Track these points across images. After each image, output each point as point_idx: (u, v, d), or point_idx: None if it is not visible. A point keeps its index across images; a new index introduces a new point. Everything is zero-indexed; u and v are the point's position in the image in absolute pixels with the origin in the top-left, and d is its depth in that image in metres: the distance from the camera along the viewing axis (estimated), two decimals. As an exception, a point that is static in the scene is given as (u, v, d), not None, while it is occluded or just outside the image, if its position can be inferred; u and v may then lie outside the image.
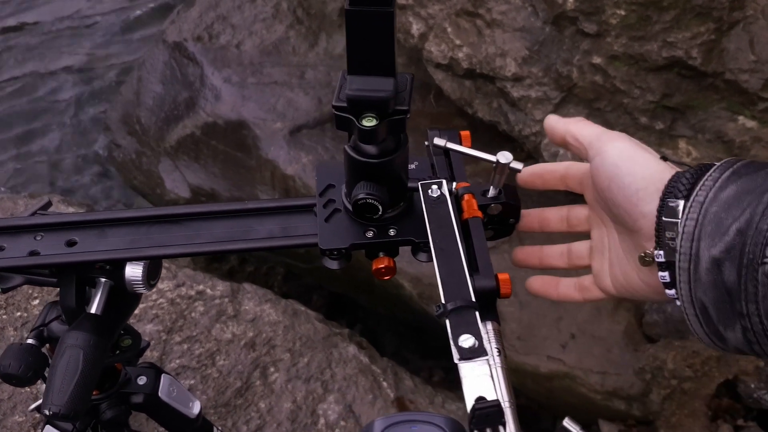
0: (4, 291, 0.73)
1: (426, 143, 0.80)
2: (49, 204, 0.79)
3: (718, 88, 1.93)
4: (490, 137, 2.37)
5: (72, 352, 0.70)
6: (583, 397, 1.91)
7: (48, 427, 0.92)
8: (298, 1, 2.79)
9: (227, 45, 2.70)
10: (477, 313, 0.58)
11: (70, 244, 0.73)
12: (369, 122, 0.62)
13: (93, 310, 0.74)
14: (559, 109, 2.09)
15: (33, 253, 0.72)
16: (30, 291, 1.96)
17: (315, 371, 1.88)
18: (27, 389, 1.76)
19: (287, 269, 2.98)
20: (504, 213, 0.75)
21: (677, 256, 0.57)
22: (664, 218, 0.60)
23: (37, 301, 1.94)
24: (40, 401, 0.97)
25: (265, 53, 2.66)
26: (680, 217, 0.58)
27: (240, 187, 2.49)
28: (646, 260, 0.64)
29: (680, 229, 0.57)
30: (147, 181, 2.82)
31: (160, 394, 0.96)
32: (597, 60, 1.95)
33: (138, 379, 0.95)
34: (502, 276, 0.65)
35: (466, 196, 0.72)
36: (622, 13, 1.87)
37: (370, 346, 2.13)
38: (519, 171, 0.71)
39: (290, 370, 1.88)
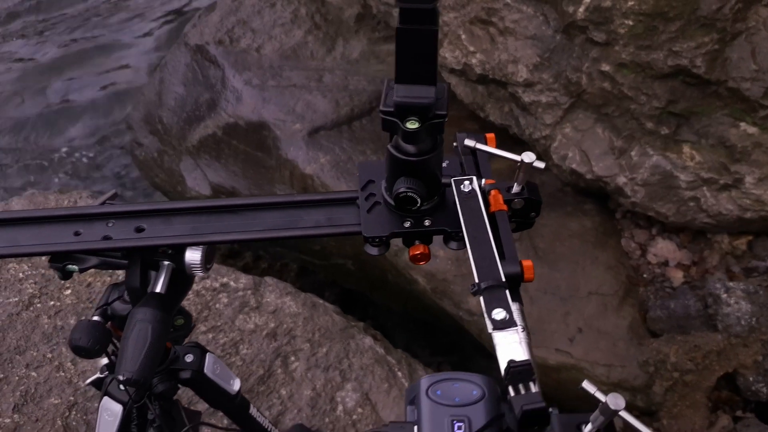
0: (81, 271, 0.81)
1: (454, 144, 0.88)
2: (115, 195, 0.87)
3: (721, 96, 1.99)
4: (501, 140, 2.43)
5: (142, 326, 0.78)
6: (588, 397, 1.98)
7: (106, 398, 1.00)
8: (316, 7, 2.86)
9: (248, 48, 2.77)
10: (507, 291, 0.66)
11: (139, 230, 0.81)
12: (412, 125, 0.71)
13: (158, 290, 0.82)
14: (568, 114, 2.16)
15: (106, 238, 0.80)
16: (63, 283, 2.04)
17: (333, 361, 1.96)
18: (62, 373, 1.84)
19: (300, 266, 3.05)
20: (526, 207, 0.82)
21: None
22: None
23: (68, 291, 2.03)
24: (95, 376, 1.06)
25: (284, 57, 2.74)
26: None
27: (260, 186, 2.57)
28: None
29: None
30: (168, 179, 2.90)
31: (205, 371, 1.04)
32: (605, 67, 2.02)
33: (186, 357, 1.03)
34: (526, 263, 0.73)
35: (492, 192, 0.80)
36: (630, 23, 1.93)
37: (383, 339, 2.20)
38: (541, 169, 0.79)
39: (310, 359, 1.95)
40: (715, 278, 2.07)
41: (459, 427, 0.57)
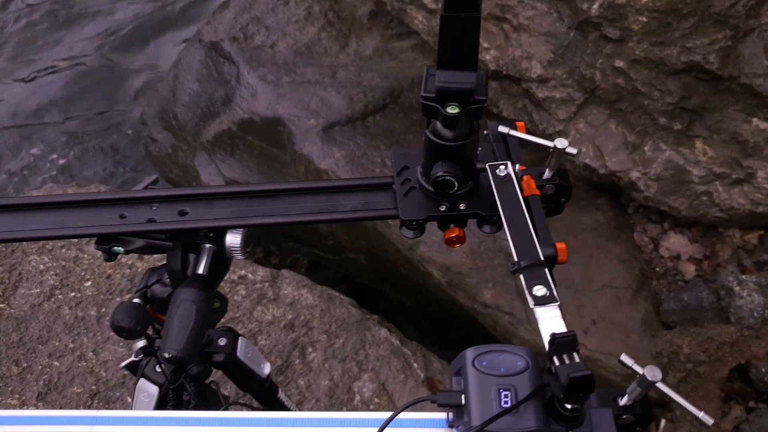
0: (126, 252, 0.83)
1: (485, 132, 0.90)
2: (157, 180, 0.90)
3: (734, 92, 2.01)
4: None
5: (186, 305, 0.81)
6: (604, 380, 2.00)
7: (142, 380, 1.03)
8: (329, 5, 2.88)
9: (262, 45, 2.80)
10: (546, 269, 0.68)
11: (182, 213, 0.84)
12: (452, 110, 0.73)
13: (200, 271, 0.84)
14: (581, 110, 2.17)
15: (151, 221, 0.83)
16: (83, 274, 2.07)
17: (350, 352, 1.99)
18: (83, 363, 1.87)
19: (311, 261, 3.08)
20: (557, 193, 0.85)
21: None
22: None
23: (89, 283, 2.06)
24: (130, 359, 1.08)
25: (299, 54, 2.76)
26: None
27: (274, 181, 2.59)
28: None
29: None
30: (183, 175, 2.92)
31: (238, 354, 1.06)
32: (619, 63, 2.04)
33: (219, 341, 1.06)
34: (560, 245, 0.76)
35: (525, 177, 0.82)
36: (644, 19, 1.95)
37: (398, 331, 2.23)
38: (573, 155, 0.81)
39: (327, 350, 1.98)
40: (727, 271, 2.09)
41: (506, 395, 0.59)
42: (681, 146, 2.10)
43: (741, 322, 2.00)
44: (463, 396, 0.61)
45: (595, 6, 2.00)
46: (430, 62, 2.71)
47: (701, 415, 0.69)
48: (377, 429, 0.61)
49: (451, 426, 0.62)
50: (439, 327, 2.89)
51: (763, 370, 1.98)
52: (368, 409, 1.88)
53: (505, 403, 0.59)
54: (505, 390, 0.60)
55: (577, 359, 0.58)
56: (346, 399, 1.89)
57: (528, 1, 2.17)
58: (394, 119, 2.56)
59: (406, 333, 2.32)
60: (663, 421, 1.99)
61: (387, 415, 0.62)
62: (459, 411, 0.62)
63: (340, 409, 1.87)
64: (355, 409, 1.88)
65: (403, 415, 0.62)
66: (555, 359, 0.58)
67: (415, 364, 2.00)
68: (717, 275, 2.10)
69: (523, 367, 0.61)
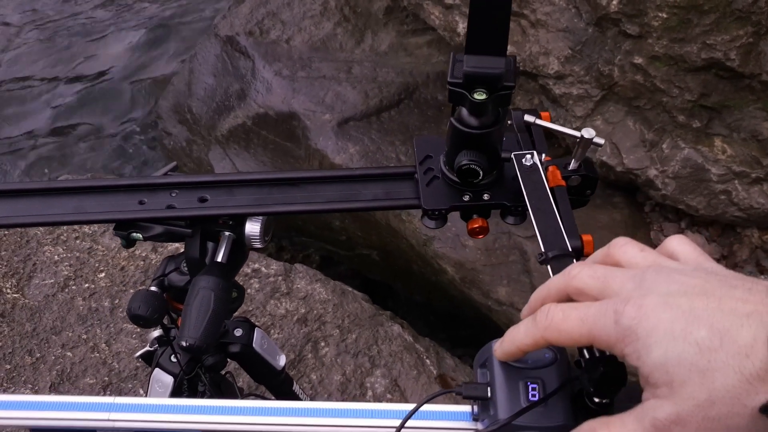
0: (145, 239, 0.82)
1: (509, 122, 0.88)
2: (176, 167, 0.88)
3: (755, 89, 1.98)
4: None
5: (205, 293, 0.79)
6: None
7: (157, 369, 1.01)
8: (345, 0, 2.87)
9: (278, 40, 2.79)
10: (574, 260, 0.66)
11: (202, 200, 0.82)
12: (480, 96, 0.71)
13: (219, 259, 0.83)
14: (599, 107, 2.16)
15: (170, 207, 0.81)
16: (97, 265, 2.06)
17: (363, 347, 1.97)
18: (96, 354, 1.86)
19: (323, 256, 3.07)
20: (583, 185, 0.83)
21: None
22: None
23: (102, 274, 2.05)
24: (144, 349, 1.07)
25: (314, 49, 2.75)
26: None
27: (295, 169, 2.58)
28: None
29: None
30: (197, 168, 2.92)
31: (254, 345, 1.05)
32: (638, 60, 2.02)
33: (235, 331, 1.05)
34: (586, 237, 0.74)
35: (550, 168, 0.80)
36: (664, 15, 1.93)
37: (410, 327, 2.21)
38: (601, 146, 0.79)
39: (339, 345, 1.97)
40: (745, 272, 2.06)
41: (533, 388, 0.57)
42: (700, 144, 2.08)
43: (759, 322, 1.97)
44: (489, 388, 0.59)
45: (615, 2, 1.98)
46: (445, 58, 2.69)
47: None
48: (400, 420, 0.59)
49: (475, 419, 0.60)
50: (450, 324, 2.88)
51: None
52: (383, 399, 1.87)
53: (533, 396, 0.57)
54: (532, 383, 0.58)
55: (608, 352, 0.56)
56: (359, 394, 1.88)
57: (546, -4, 2.15)
58: (408, 115, 2.55)
59: (416, 329, 2.31)
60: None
61: (409, 407, 0.60)
62: (484, 404, 0.60)
63: (352, 404, 1.85)
64: (367, 404, 1.86)
65: (426, 407, 0.60)
66: (585, 351, 0.56)
67: (428, 361, 1.99)
68: (735, 275, 2.08)
69: (551, 360, 0.59)
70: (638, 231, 2.21)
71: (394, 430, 0.58)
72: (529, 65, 2.21)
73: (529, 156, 0.78)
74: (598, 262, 0.54)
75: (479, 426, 0.59)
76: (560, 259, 0.67)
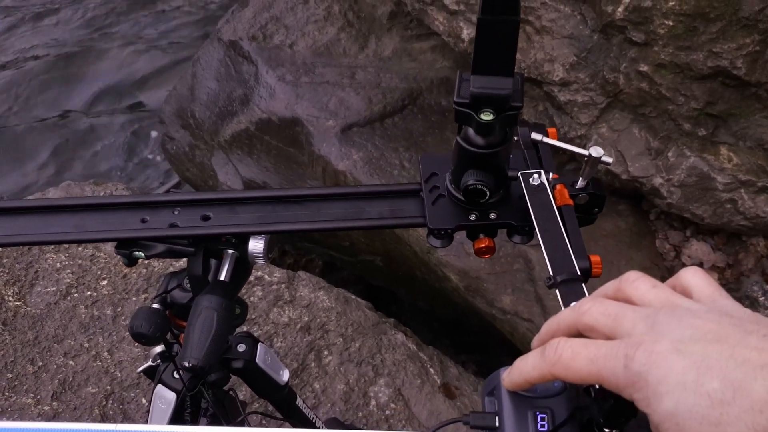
0: (147, 258, 0.81)
1: (515, 138, 0.87)
2: (179, 183, 0.87)
3: (761, 98, 1.97)
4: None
5: (208, 313, 0.78)
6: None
7: (159, 386, 1.00)
8: (349, 5, 2.86)
9: (281, 45, 2.78)
10: (584, 285, 0.65)
11: (205, 218, 0.81)
12: (487, 116, 0.70)
13: (222, 277, 0.82)
14: (604, 114, 2.14)
15: (173, 225, 0.81)
16: (99, 273, 2.06)
17: (366, 356, 1.96)
18: (99, 363, 1.86)
19: (326, 262, 3.06)
20: (590, 203, 0.82)
21: None
22: None
23: (105, 282, 2.04)
24: (147, 364, 1.06)
25: (317, 54, 2.74)
26: None
27: (291, 182, 2.58)
28: None
29: None
30: (200, 173, 2.91)
31: (257, 361, 1.04)
32: (644, 68, 2.00)
33: (238, 347, 1.04)
34: (594, 258, 0.73)
35: (558, 186, 0.79)
36: (670, 23, 1.92)
37: (414, 335, 2.20)
38: (609, 164, 0.78)
39: (343, 353, 1.96)
40: (751, 281, 2.05)
41: (542, 419, 0.56)
42: (705, 153, 2.06)
43: (765, 332, 1.96)
44: (497, 418, 0.58)
45: (620, 9, 1.97)
46: (449, 64, 2.68)
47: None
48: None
49: None
50: (454, 330, 2.87)
51: None
52: (384, 414, 1.85)
53: (542, 427, 0.56)
54: (541, 413, 0.57)
55: None
56: (362, 404, 1.87)
57: (551, 3, 2.14)
58: (412, 121, 2.54)
59: (419, 336, 2.31)
60: None
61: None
62: None
63: (355, 414, 1.84)
64: (370, 414, 1.85)
65: (434, 436, 0.59)
66: None
67: (432, 370, 1.98)
68: (740, 284, 2.07)
69: (560, 389, 0.58)
70: (643, 239, 2.20)
71: None
72: (533, 72, 2.20)
73: (536, 175, 0.77)
74: (609, 297, 0.53)
75: None
76: (569, 284, 0.66)
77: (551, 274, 0.67)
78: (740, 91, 1.98)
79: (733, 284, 2.10)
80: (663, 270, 2.16)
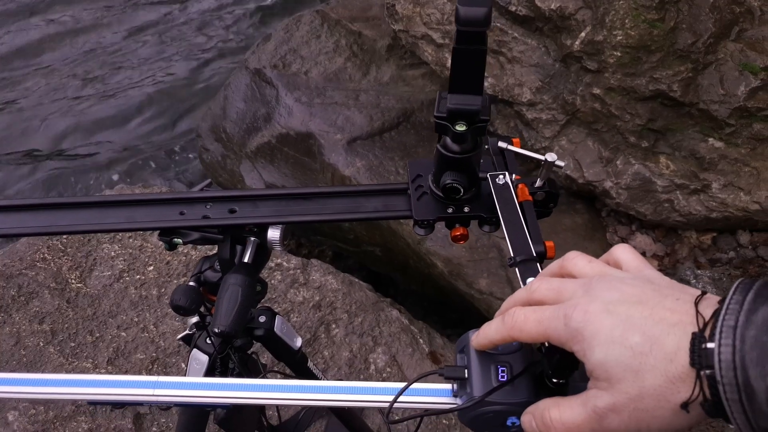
0: (185, 243, 0.83)
1: (486, 146, 0.88)
2: (210, 183, 0.89)
3: (693, 116, 1.99)
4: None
5: (234, 288, 0.80)
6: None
7: (195, 350, 1.02)
8: (354, 39, 2.88)
9: (297, 72, 2.79)
10: (538, 264, 0.67)
11: (232, 211, 0.83)
12: (461, 127, 0.72)
13: (246, 260, 0.83)
14: (564, 129, 2.16)
15: (205, 217, 0.82)
16: (147, 260, 2.07)
17: (367, 328, 1.98)
18: (146, 334, 1.87)
19: (335, 252, 3.06)
20: (547, 199, 0.83)
21: (720, 387, 0.39)
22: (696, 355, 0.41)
23: (151, 267, 2.06)
24: (185, 332, 1.08)
25: (328, 79, 2.75)
26: (714, 343, 0.40)
27: (306, 185, 2.59)
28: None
29: (716, 357, 0.39)
30: (230, 178, 2.92)
31: (275, 330, 1.05)
32: (597, 91, 2.02)
33: (259, 318, 1.05)
34: (549, 243, 0.74)
35: (520, 186, 0.80)
36: (618, 54, 1.93)
37: (407, 312, 2.21)
38: (561, 167, 0.80)
39: (348, 327, 1.97)
40: (685, 267, 2.06)
41: (502, 371, 0.58)
42: (648, 161, 2.08)
43: (696, 309, 1.97)
44: (466, 370, 0.60)
45: (577, 42, 1.99)
46: (437, 88, 2.69)
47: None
48: (393, 396, 0.60)
49: (455, 395, 0.61)
50: (441, 309, 2.87)
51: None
52: (381, 377, 1.87)
53: (502, 377, 0.58)
54: (502, 366, 0.58)
55: None
56: (363, 368, 1.88)
57: (520, 37, 2.15)
58: (406, 135, 2.55)
59: (413, 313, 2.32)
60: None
61: (401, 385, 0.61)
62: (462, 383, 0.60)
63: (357, 376, 1.86)
64: (370, 376, 1.87)
65: (415, 385, 0.61)
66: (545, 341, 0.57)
67: (421, 340, 1.99)
68: (676, 270, 2.08)
69: (518, 347, 0.60)
70: (596, 232, 2.21)
71: (389, 404, 0.59)
72: (506, 94, 2.21)
73: (501, 176, 0.79)
74: (555, 274, 0.55)
75: (458, 401, 0.60)
76: (526, 263, 0.68)
77: (512, 255, 0.69)
78: (676, 110, 2.00)
79: (670, 270, 2.11)
80: (612, 258, 2.17)
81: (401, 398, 0.60)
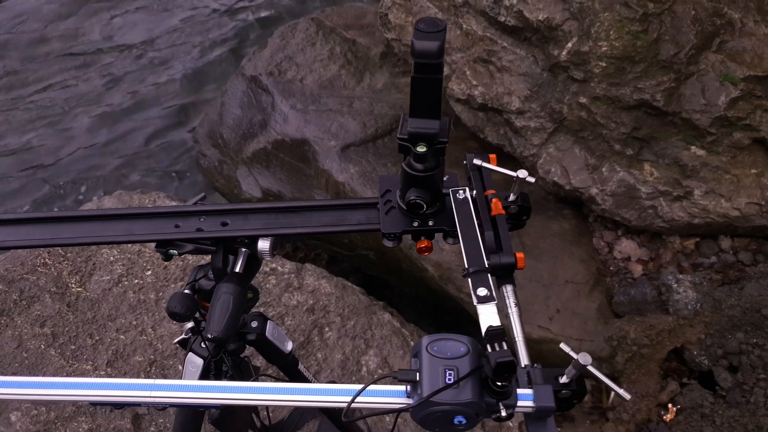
0: (180, 254, 0.88)
1: (464, 162, 0.94)
2: (204, 197, 0.94)
3: (676, 124, 2.03)
4: (496, 157, 2.49)
5: (226, 297, 0.86)
6: (564, 358, 2.02)
7: (190, 353, 1.07)
8: (348, 47, 2.93)
9: (293, 79, 2.85)
10: (489, 275, 0.72)
11: (224, 224, 0.88)
12: (421, 149, 0.77)
13: (237, 269, 0.89)
14: (551, 137, 2.20)
15: (199, 230, 0.88)
16: (145, 265, 2.12)
17: (359, 331, 2.02)
18: (144, 337, 1.92)
19: (330, 255, 3.11)
20: (520, 212, 0.89)
21: None
22: None
23: (149, 272, 2.10)
24: (181, 337, 1.13)
25: (322, 87, 2.81)
26: None
27: (301, 190, 2.64)
28: None
29: None
30: (227, 184, 2.98)
31: (266, 334, 1.10)
32: (583, 100, 2.07)
33: (252, 323, 1.10)
34: (519, 254, 0.80)
35: (494, 200, 0.86)
36: (604, 64, 1.98)
37: (398, 315, 2.26)
38: (531, 183, 0.85)
39: (340, 329, 2.02)
40: (668, 271, 2.11)
41: (450, 374, 0.64)
42: (632, 168, 2.12)
43: (678, 313, 2.02)
44: (417, 374, 0.65)
45: (564, 53, 2.04)
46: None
47: (621, 391, 0.71)
48: (351, 397, 0.66)
49: (408, 396, 0.67)
50: (433, 311, 2.91)
51: (695, 353, 2.00)
52: (373, 378, 1.91)
53: (449, 379, 0.64)
54: (449, 369, 0.64)
55: (504, 347, 0.62)
56: (355, 370, 1.93)
57: (509, 47, 2.20)
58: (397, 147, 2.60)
59: (406, 316, 2.37)
60: (612, 394, 2.02)
61: (360, 387, 0.66)
62: (414, 385, 0.66)
63: (350, 378, 1.91)
64: (362, 378, 1.92)
65: (372, 387, 0.67)
66: (488, 347, 0.63)
67: (412, 343, 2.03)
68: (660, 274, 2.13)
69: (465, 352, 0.65)
70: (583, 237, 2.26)
71: (346, 404, 0.65)
72: (495, 102, 2.26)
73: (462, 191, 0.84)
74: None
75: (410, 401, 0.65)
76: (478, 274, 0.73)
77: (466, 266, 0.74)
78: (660, 119, 2.05)
79: (654, 274, 2.16)
80: (598, 262, 2.22)
81: (359, 398, 0.66)
